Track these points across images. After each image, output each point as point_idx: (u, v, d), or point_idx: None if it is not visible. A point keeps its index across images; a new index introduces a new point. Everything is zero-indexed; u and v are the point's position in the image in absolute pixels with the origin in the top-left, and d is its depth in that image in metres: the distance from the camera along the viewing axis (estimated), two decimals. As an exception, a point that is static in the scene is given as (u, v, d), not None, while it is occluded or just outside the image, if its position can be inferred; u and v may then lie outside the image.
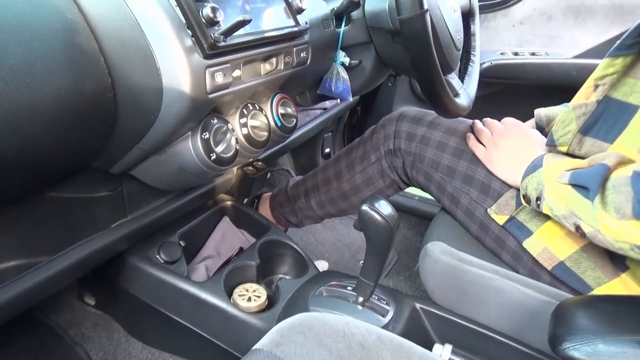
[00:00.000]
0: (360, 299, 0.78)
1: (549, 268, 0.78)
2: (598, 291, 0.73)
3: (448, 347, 0.75)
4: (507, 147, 0.85)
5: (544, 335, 0.61)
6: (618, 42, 0.73)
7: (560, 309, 0.59)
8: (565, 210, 0.67)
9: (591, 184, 0.63)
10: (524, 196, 0.76)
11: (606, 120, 0.72)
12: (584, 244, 0.75)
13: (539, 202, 0.72)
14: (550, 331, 0.58)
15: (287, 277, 0.96)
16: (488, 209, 0.86)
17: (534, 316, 0.75)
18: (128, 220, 0.81)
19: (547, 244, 0.78)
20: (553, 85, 1.58)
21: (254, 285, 0.88)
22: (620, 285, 0.72)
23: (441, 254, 0.84)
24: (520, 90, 1.64)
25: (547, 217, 0.79)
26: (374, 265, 0.74)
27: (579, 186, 0.65)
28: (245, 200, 1.17)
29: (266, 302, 0.85)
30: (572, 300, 0.61)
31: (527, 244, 0.81)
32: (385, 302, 0.80)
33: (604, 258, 0.73)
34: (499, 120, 0.93)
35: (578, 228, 0.66)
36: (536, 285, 0.77)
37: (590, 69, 0.76)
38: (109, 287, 0.97)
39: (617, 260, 0.73)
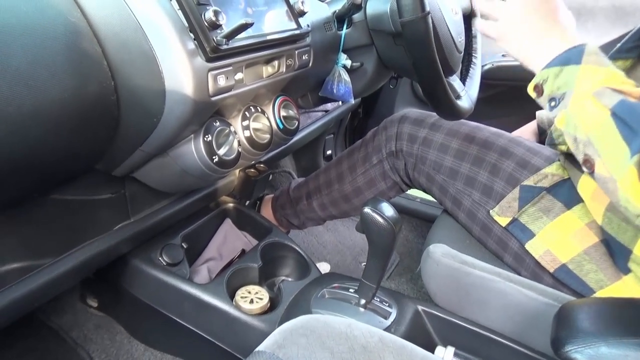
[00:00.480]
0: (363, 301, 0.78)
1: (551, 270, 0.78)
2: (600, 294, 0.73)
3: (450, 350, 0.75)
4: (529, 20, 0.66)
5: (546, 337, 0.61)
6: (618, 45, 0.73)
7: (563, 311, 0.59)
8: (584, 135, 0.55)
9: None
10: (535, 86, 0.62)
11: None
12: (586, 247, 0.75)
13: (553, 104, 0.59)
14: (552, 334, 0.58)
15: (289, 279, 0.96)
16: (490, 211, 0.86)
17: (536, 319, 0.75)
18: (131, 222, 0.81)
19: (549, 246, 0.78)
20: (555, 87, 1.57)
21: (256, 288, 0.88)
22: (623, 287, 0.72)
23: (443, 257, 0.84)
24: (522, 92, 1.64)
25: (550, 219, 0.79)
26: (376, 268, 0.74)
27: (623, 120, 0.52)
28: (247, 202, 1.17)
29: (268, 304, 0.85)
30: (575, 302, 0.61)
31: (530, 246, 0.81)
32: (387, 305, 0.80)
33: (606, 261, 0.73)
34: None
35: (587, 162, 0.55)
36: (538, 287, 0.77)
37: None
38: (111, 289, 0.97)
39: (619, 263, 0.73)
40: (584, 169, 0.56)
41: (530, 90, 0.63)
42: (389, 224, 0.68)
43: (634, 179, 0.51)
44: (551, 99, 0.59)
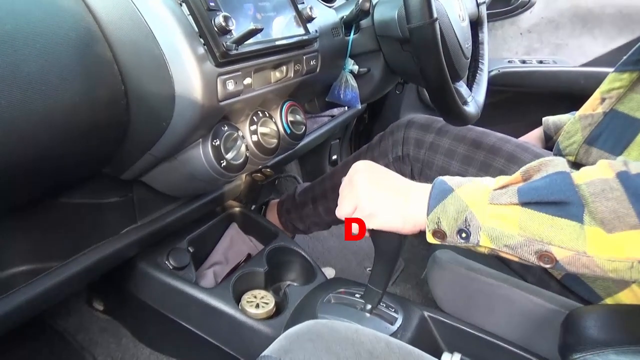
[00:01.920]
0: (369, 307, 0.78)
1: (559, 277, 0.78)
2: (608, 301, 0.73)
3: (457, 356, 0.74)
4: (379, 190, 0.63)
5: (554, 344, 0.61)
6: (624, 58, 0.73)
7: (571, 318, 0.59)
8: (520, 237, 0.51)
9: (569, 196, 0.49)
10: (436, 232, 0.57)
11: (612, 132, 0.72)
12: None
13: (464, 235, 0.55)
14: (560, 341, 0.58)
15: (295, 284, 0.96)
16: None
17: (543, 325, 0.75)
18: (138, 226, 0.82)
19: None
20: (561, 93, 1.58)
21: (262, 292, 0.88)
22: (631, 295, 0.71)
23: (450, 262, 0.84)
24: (528, 98, 1.64)
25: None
26: (382, 274, 0.74)
27: (542, 204, 0.51)
28: (253, 206, 1.18)
29: (274, 309, 0.85)
30: (583, 309, 0.60)
31: (536, 252, 0.80)
32: (393, 310, 0.80)
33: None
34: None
35: (542, 256, 0.51)
36: (545, 294, 0.77)
37: (598, 77, 0.77)
38: (117, 293, 0.98)
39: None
40: (543, 265, 0.52)
41: (431, 239, 0.58)
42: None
43: (597, 237, 0.48)
44: (459, 232, 0.55)
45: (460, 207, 0.55)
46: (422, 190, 0.59)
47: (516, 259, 0.54)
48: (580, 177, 0.50)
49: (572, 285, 0.77)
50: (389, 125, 1.09)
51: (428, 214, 0.57)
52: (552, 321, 0.72)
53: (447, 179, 0.58)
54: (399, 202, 0.60)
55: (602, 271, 0.49)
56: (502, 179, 0.55)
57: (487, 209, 0.53)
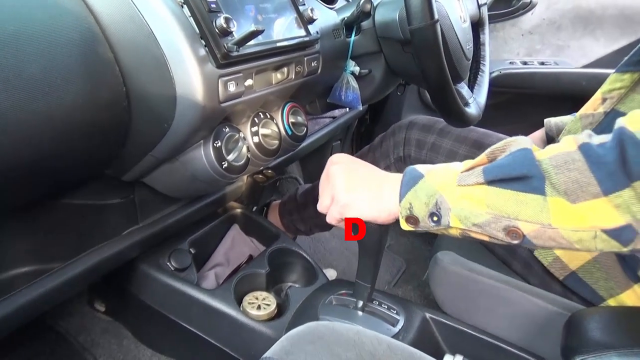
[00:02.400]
0: (360, 304, 0.77)
1: (561, 278, 0.78)
2: (611, 302, 0.73)
3: (459, 358, 0.74)
4: (354, 179, 0.64)
5: (556, 346, 0.61)
6: (625, 59, 0.73)
7: (573, 320, 0.58)
8: (487, 215, 0.53)
9: (530, 169, 0.50)
10: (408, 218, 0.58)
11: None
12: (596, 254, 0.74)
13: (435, 218, 0.56)
14: (562, 343, 0.58)
15: (297, 286, 0.96)
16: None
17: (545, 327, 0.75)
18: (139, 227, 0.82)
19: (558, 254, 0.78)
20: (562, 95, 1.58)
21: (264, 293, 0.88)
22: (633, 296, 0.71)
23: (451, 264, 0.84)
24: (530, 100, 1.64)
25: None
26: (367, 267, 0.73)
27: (506, 181, 0.52)
28: (255, 208, 1.18)
29: (276, 311, 0.85)
30: (585, 311, 0.60)
31: (538, 253, 0.80)
32: (395, 312, 0.79)
33: (617, 268, 0.73)
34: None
35: (510, 232, 0.52)
36: (547, 296, 0.77)
37: (600, 79, 0.77)
38: (119, 294, 0.98)
39: (629, 271, 0.72)
40: (511, 241, 0.53)
41: (404, 226, 0.59)
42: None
43: (560, 207, 0.49)
44: (431, 216, 0.56)
45: (430, 191, 0.56)
46: (395, 179, 0.61)
47: (486, 238, 0.55)
48: (544, 152, 0.51)
49: (575, 287, 0.77)
50: (391, 126, 1.09)
51: (400, 201, 0.58)
52: (554, 323, 0.72)
53: (418, 166, 0.60)
54: (373, 192, 0.62)
55: (568, 242, 0.50)
56: (469, 162, 0.56)
57: (456, 191, 0.54)
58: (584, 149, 0.49)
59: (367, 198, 0.62)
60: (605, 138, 0.48)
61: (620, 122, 0.48)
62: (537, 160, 0.50)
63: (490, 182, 0.52)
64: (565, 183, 0.48)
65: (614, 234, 0.47)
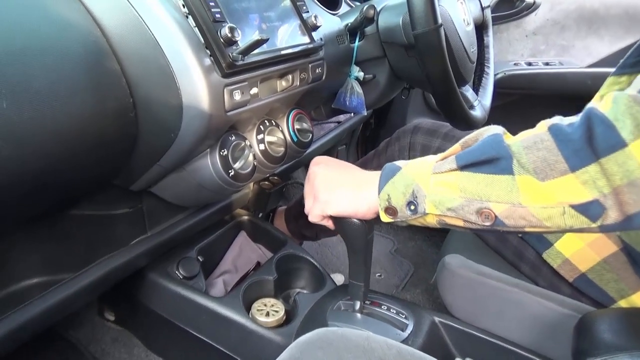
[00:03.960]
0: (357, 305, 0.77)
1: (570, 280, 0.78)
2: (622, 303, 0.72)
3: (469, 362, 0.74)
4: (335, 176, 0.67)
5: (567, 349, 0.60)
6: (622, 60, 0.73)
7: (584, 322, 0.58)
8: (460, 198, 0.54)
9: (499, 151, 0.52)
10: (387, 209, 0.60)
11: None
12: (606, 255, 0.74)
13: (413, 207, 0.58)
14: (573, 345, 0.58)
15: (305, 292, 0.96)
16: (506, 221, 0.85)
17: (555, 329, 0.74)
18: (148, 236, 0.82)
19: (567, 256, 0.77)
20: (568, 95, 1.57)
21: (272, 300, 0.88)
22: (644, 297, 0.71)
23: (459, 267, 0.84)
24: (535, 100, 1.64)
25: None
26: (357, 265, 0.73)
27: (476, 165, 0.54)
28: (261, 214, 1.18)
29: (284, 317, 0.85)
30: (596, 313, 0.60)
31: (547, 255, 0.80)
32: (404, 317, 0.79)
33: (627, 269, 0.72)
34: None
35: (482, 214, 0.54)
36: (557, 298, 0.76)
37: (605, 78, 0.76)
38: (128, 303, 0.98)
39: (639, 272, 0.72)
40: (483, 222, 0.54)
41: (384, 218, 0.61)
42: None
43: (530, 185, 0.50)
44: (408, 205, 0.58)
45: (407, 181, 0.58)
46: (374, 175, 0.63)
47: (460, 223, 0.56)
48: (515, 137, 0.54)
49: (585, 288, 0.76)
50: (396, 131, 1.09)
51: (379, 193, 0.60)
52: (564, 325, 0.71)
53: (396, 162, 0.62)
54: (352, 188, 0.64)
55: (538, 220, 0.51)
56: (444, 153, 0.59)
57: (431, 179, 0.57)
58: (553, 129, 0.50)
59: (346, 194, 0.64)
60: (575, 118, 0.50)
61: (590, 104, 0.50)
62: (507, 143, 0.53)
63: (463, 168, 0.55)
64: (534, 162, 0.50)
65: (581, 209, 0.49)
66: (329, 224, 0.69)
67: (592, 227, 0.50)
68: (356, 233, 0.68)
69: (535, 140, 0.51)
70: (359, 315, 0.78)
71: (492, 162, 0.53)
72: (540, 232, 0.54)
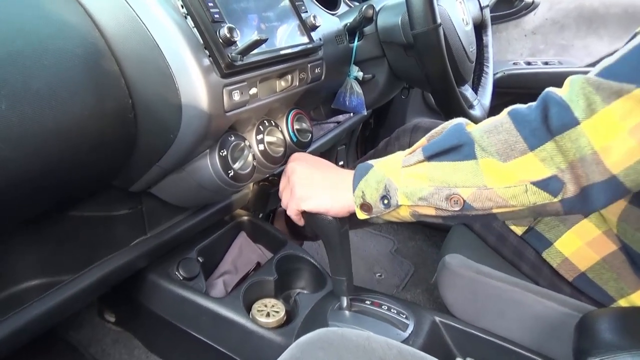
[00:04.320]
0: (345, 302, 0.77)
1: (570, 279, 0.78)
2: (622, 302, 0.72)
3: (470, 361, 0.74)
4: (312, 175, 0.69)
5: (567, 348, 0.60)
6: None
7: (585, 321, 0.58)
8: (430, 187, 0.57)
9: (461, 138, 0.55)
10: (362, 205, 0.63)
11: None
12: (605, 254, 0.74)
13: (386, 201, 0.60)
14: (574, 344, 0.57)
15: (305, 292, 0.96)
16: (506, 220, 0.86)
17: (556, 329, 0.74)
18: (147, 237, 0.82)
19: (567, 255, 0.78)
20: (567, 94, 1.57)
21: (273, 301, 0.88)
22: (645, 296, 0.71)
23: (460, 267, 0.83)
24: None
25: (566, 228, 0.78)
26: (335, 259, 0.74)
27: (441, 154, 0.57)
28: (261, 214, 1.18)
29: (285, 318, 0.85)
30: (597, 312, 0.60)
31: (547, 254, 0.80)
32: (404, 316, 0.79)
33: (627, 268, 0.72)
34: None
35: (451, 199, 0.56)
36: (557, 297, 0.76)
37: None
38: (128, 304, 0.98)
39: (638, 272, 0.72)
40: (452, 208, 0.56)
41: (360, 215, 0.64)
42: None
43: (492, 167, 0.53)
44: (382, 199, 0.61)
45: (379, 177, 0.61)
46: (348, 173, 0.66)
47: (432, 211, 0.59)
48: (478, 124, 0.57)
49: (585, 287, 0.76)
50: (395, 130, 1.09)
51: (354, 191, 0.63)
52: (565, 324, 0.71)
53: (368, 161, 0.65)
54: (328, 185, 0.67)
55: (504, 200, 0.54)
56: (412, 147, 0.62)
57: (402, 172, 0.60)
58: (512, 113, 0.54)
59: (321, 190, 0.67)
60: (533, 103, 0.53)
61: (547, 89, 0.53)
62: (468, 130, 0.56)
63: (429, 158, 0.58)
64: (496, 144, 0.53)
65: (542, 185, 0.51)
66: (302, 222, 0.71)
67: (554, 202, 0.52)
68: (329, 228, 0.69)
69: (495, 124, 0.54)
70: (359, 315, 0.78)
71: (455, 149, 0.56)
72: (507, 213, 0.56)
